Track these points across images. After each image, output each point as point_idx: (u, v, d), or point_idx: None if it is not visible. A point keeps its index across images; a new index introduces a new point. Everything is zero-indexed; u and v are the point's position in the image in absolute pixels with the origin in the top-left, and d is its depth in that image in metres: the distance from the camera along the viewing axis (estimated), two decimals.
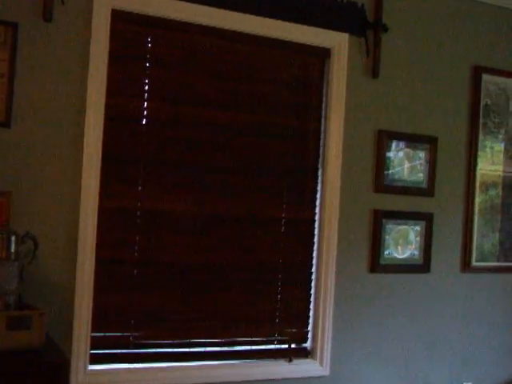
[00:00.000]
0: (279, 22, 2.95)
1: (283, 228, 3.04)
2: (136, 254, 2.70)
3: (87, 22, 2.51)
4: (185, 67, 2.78)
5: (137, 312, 2.72)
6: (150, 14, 2.67)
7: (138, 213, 2.69)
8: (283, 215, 3.04)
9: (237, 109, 2.92)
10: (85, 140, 2.53)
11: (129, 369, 2.70)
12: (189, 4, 2.73)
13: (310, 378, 3.07)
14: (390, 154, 3.32)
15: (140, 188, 2.70)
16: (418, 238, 3.40)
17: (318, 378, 3.10)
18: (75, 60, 2.53)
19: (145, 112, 2.72)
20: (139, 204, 2.69)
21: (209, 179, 2.85)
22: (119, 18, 2.56)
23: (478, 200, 3.67)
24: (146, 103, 2.70)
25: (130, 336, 2.69)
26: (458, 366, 3.58)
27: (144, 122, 2.72)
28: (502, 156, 3.74)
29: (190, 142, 2.81)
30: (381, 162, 3.26)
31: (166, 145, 2.79)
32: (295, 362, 3.06)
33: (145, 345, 2.76)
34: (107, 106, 2.58)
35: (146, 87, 2.69)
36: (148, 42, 2.68)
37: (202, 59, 2.82)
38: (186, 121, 2.81)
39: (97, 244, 2.56)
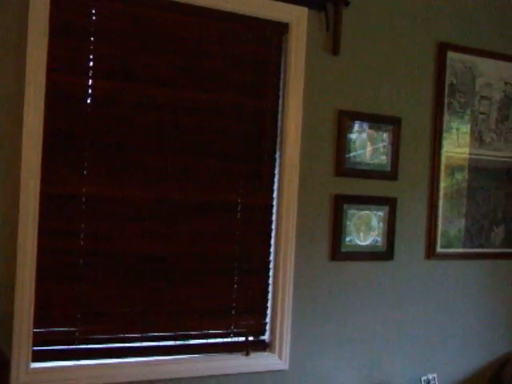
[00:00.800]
0: None
1: (239, 214, 3.15)
2: (81, 243, 2.76)
3: None
4: (132, 42, 2.83)
5: (83, 305, 2.77)
6: None
7: (83, 199, 2.74)
8: (239, 200, 3.14)
9: (188, 86, 3.00)
10: (24, 120, 2.57)
11: (75, 366, 2.75)
12: None
13: (268, 372, 3.19)
14: (352, 136, 3.40)
15: (85, 172, 2.77)
16: (380, 224, 3.51)
17: (277, 372, 3.21)
18: (12, 32, 2.56)
19: (90, 90, 2.75)
20: (84, 189, 2.75)
21: (159, 162, 2.93)
22: None
23: (443, 184, 3.79)
24: (90, 80, 2.74)
25: (75, 331, 2.75)
26: (422, 357, 3.73)
27: (89, 101, 2.76)
28: (468, 138, 3.87)
29: (139, 123, 2.87)
30: (342, 145, 3.35)
31: (112, 125, 2.82)
32: (252, 355, 3.17)
33: (92, 340, 2.81)
34: (48, 84, 2.60)
35: (91, 63, 2.74)
36: (92, 14, 2.72)
37: (151, 33, 2.88)
38: (135, 99, 2.86)
39: (39, 232, 2.61)
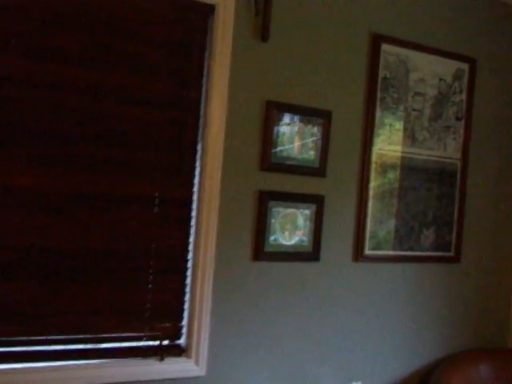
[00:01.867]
0: None
1: (156, 208, 3.28)
2: None
3: None
4: (43, 17, 2.91)
5: None
6: None
7: None
8: (156, 194, 3.28)
9: (104, 69, 3.10)
10: None
11: None
12: None
13: (183, 378, 3.34)
14: (280, 129, 3.58)
15: None
16: (307, 223, 3.71)
17: (193, 378, 3.36)
18: None
19: None
20: None
21: (69, 151, 3.02)
22: None
23: (373, 183, 4.02)
24: None
25: None
26: (347, 365, 3.97)
27: None
28: (400, 135, 4.13)
29: (47, 106, 2.96)
30: (268, 138, 3.53)
31: (14, 109, 2.88)
32: (167, 360, 3.32)
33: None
34: None
35: None
36: None
37: (65, 9, 2.96)
38: (43, 80, 2.94)
39: None
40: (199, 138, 3.42)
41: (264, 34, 3.49)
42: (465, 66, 4.44)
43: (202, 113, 3.42)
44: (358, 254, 4.01)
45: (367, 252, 4.05)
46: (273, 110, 3.56)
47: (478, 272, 4.68)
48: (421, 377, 4.37)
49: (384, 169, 4.12)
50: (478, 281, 4.68)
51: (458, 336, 4.59)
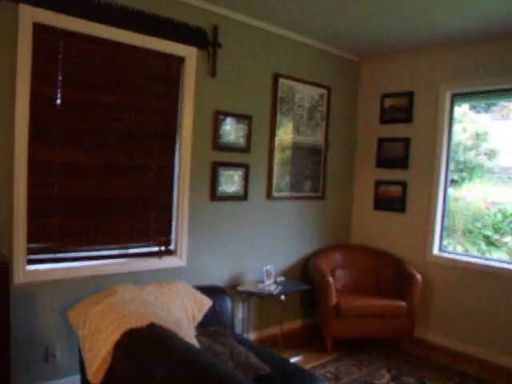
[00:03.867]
0: (153, 38, 3.27)
1: (154, 173, 3.40)
2: (55, 191, 2.96)
3: None
4: (85, 65, 3.00)
5: (59, 230, 3.01)
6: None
7: (55, 164, 2.96)
8: (154, 164, 3.41)
9: (122, 94, 3.17)
10: (15, 115, 2.67)
11: (55, 268, 3.00)
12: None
13: (174, 268, 3.52)
14: (223, 126, 3.73)
15: (56, 147, 2.93)
16: (240, 179, 3.89)
17: (179, 267, 3.55)
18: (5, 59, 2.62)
19: (58, 95, 2.93)
20: (56, 157, 2.95)
21: (107, 142, 3.16)
22: None
23: (277, 157, 4.25)
24: (59, 89, 2.91)
25: (54, 245, 3.00)
26: (263, 256, 4.21)
27: (58, 102, 2.90)
28: (291, 129, 4.35)
29: (93, 118, 3.06)
30: (216, 131, 3.70)
31: (74, 119, 2.98)
32: (164, 258, 3.50)
33: (65, 251, 3.04)
34: (31, 91, 2.74)
35: (60, 78, 2.90)
36: (59, 47, 2.88)
37: (100, 61, 3.08)
38: (89, 102, 3.05)
39: (27, 185, 2.80)
40: (177, 132, 3.51)
41: (213, 73, 3.64)
42: (325, 91, 4.69)
43: (178, 118, 3.50)
44: (269, 195, 4.21)
45: (274, 194, 4.26)
46: (219, 116, 3.71)
47: (333, 203, 4.97)
48: (304, 261, 4.65)
49: (283, 149, 4.31)
50: (334, 208, 4.99)
51: (324, 238, 4.88)
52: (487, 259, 4.34)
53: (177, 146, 3.51)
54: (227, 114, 3.75)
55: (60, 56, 2.88)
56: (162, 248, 3.52)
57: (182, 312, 2.80)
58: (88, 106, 3.04)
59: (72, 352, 2.99)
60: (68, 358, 3.03)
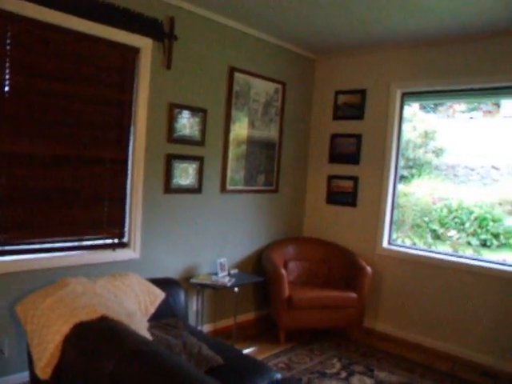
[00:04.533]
0: (108, 27, 3.19)
1: (108, 164, 3.36)
2: (3, 182, 2.84)
3: None
4: (37, 51, 2.89)
5: (7, 222, 2.92)
6: None
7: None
8: (107, 155, 3.35)
9: (75, 83, 3.09)
10: None
11: (3, 261, 2.90)
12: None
13: (127, 260, 3.50)
14: (178, 119, 3.70)
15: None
16: (194, 172, 3.88)
17: (133, 260, 3.53)
18: None
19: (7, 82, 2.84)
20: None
21: (60, 130, 3.08)
22: None
23: (232, 151, 4.25)
24: (7, 75, 2.81)
25: (1, 238, 2.89)
26: (218, 249, 4.23)
27: (6, 90, 2.75)
28: (246, 123, 4.36)
29: (44, 107, 2.96)
30: (171, 123, 3.66)
31: (24, 107, 2.85)
32: (117, 251, 3.47)
33: (13, 243, 2.94)
34: None
35: (7, 64, 2.75)
36: (8, 31, 2.73)
37: (53, 48, 2.96)
38: (41, 90, 2.94)
39: None
40: (132, 123, 3.46)
41: (168, 65, 3.61)
42: (280, 86, 4.72)
43: (133, 109, 3.46)
44: (223, 188, 4.22)
45: (228, 187, 4.26)
46: (174, 108, 3.68)
47: (287, 197, 5.03)
48: (257, 254, 4.70)
49: (238, 142, 4.32)
50: (287, 202, 5.05)
51: (277, 231, 4.93)
52: (433, 252, 4.50)
53: (131, 138, 3.46)
54: (182, 107, 3.72)
55: (8, 41, 2.76)
56: (116, 240, 3.48)
57: (134, 304, 2.77)
58: (39, 95, 2.94)
59: (21, 348, 2.88)
60: (17, 354, 2.95)
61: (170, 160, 3.68)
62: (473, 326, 4.10)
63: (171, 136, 3.67)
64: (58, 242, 3.17)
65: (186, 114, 3.77)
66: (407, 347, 4.35)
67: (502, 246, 7.11)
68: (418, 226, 7.20)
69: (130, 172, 3.48)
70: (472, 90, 4.18)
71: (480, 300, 4.06)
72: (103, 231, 3.41)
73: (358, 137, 4.77)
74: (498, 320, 3.98)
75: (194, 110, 3.82)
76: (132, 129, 3.46)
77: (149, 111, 3.50)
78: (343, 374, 3.69)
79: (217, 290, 3.86)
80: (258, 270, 4.53)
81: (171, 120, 3.65)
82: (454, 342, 4.19)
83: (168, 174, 3.68)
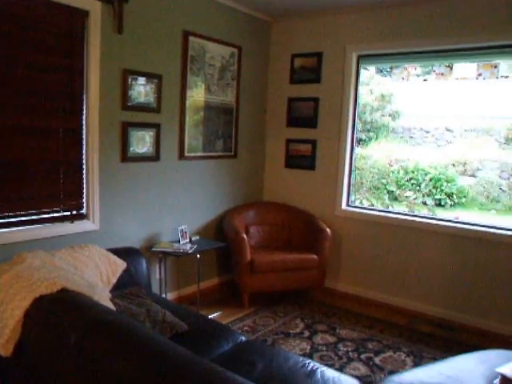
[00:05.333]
0: None
1: (61, 134, 3.26)
2: None
3: None
4: None
5: None
6: None
7: None
8: (60, 124, 3.25)
9: (19, 48, 2.94)
10: None
11: None
12: None
13: (86, 232, 3.43)
14: (132, 85, 3.61)
15: None
16: (151, 140, 3.82)
17: (92, 231, 3.47)
18: None
19: None
20: None
21: (7, 100, 2.93)
22: None
23: (189, 116, 4.18)
24: None
25: None
26: (178, 216, 4.22)
27: None
28: (203, 89, 4.30)
29: None
30: (126, 90, 3.56)
31: None
32: (76, 223, 3.41)
33: None
34: None
35: None
36: None
37: None
38: None
39: None
40: (84, 90, 3.36)
41: (119, 29, 3.49)
42: (235, 50, 4.66)
43: (85, 76, 3.35)
44: (181, 155, 4.17)
45: (187, 154, 4.22)
46: (127, 74, 3.58)
47: (246, 162, 5.05)
48: (218, 220, 4.72)
49: (195, 108, 4.26)
50: (247, 167, 5.07)
51: (238, 196, 4.96)
52: (390, 212, 4.64)
53: (84, 106, 3.35)
54: (136, 73, 3.63)
55: None
56: (74, 212, 3.40)
57: (96, 276, 2.75)
58: None
59: None
60: None
61: (126, 128, 3.60)
62: (428, 281, 4.29)
63: (126, 103, 3.58)
64: (14, 216, 3.07)
65: (140, 80, 3.67)
66: (367, 305, 4.52)
67: (455, 205, 7.41)
68: (376, 187, 7.38)
69: (84, 141, 3.39)
70: (425, 52, 4.23)
71: (435, 257, 4.24)
72: (60, 203, 3.31)
73: (316, 100, 4.78)
74: (451, 275, 4.17)
75: (148, 76, 3.72)
76: (84, 97, 3.34)
77: (101, 78, 3.38)
78: (306, 334, 3.81)
79: (179, 257, 3.87)
80: (220, 235, 4.55)
81: (125, 87, 3.55)
82: (412, 297, 4.38)
83: (124, 143, 3.60)
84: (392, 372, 3.15)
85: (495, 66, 7.60)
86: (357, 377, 3.00)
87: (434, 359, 3.31)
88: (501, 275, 3.92)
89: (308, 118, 4.84)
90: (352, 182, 4.80)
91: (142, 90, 3.69)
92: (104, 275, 2.82)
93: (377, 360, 3.41)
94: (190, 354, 1.51)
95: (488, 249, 3.97)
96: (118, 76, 3.52)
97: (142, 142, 3.75)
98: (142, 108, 3.72)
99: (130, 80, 3.58)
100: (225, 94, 4.56)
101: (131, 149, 3.68)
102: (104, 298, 2.27)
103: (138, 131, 3.70)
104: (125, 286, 2.90)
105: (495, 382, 1.97)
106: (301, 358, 2.30)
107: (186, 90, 4.11)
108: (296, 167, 4.95)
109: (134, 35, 3.61)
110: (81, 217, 3.46)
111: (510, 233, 3.91)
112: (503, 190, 7.25)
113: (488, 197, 7.39)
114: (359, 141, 4.92)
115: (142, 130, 3.74)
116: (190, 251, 3.77)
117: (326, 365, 2.90)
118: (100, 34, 3.35)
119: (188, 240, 4.04)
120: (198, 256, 3.90)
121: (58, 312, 1.88)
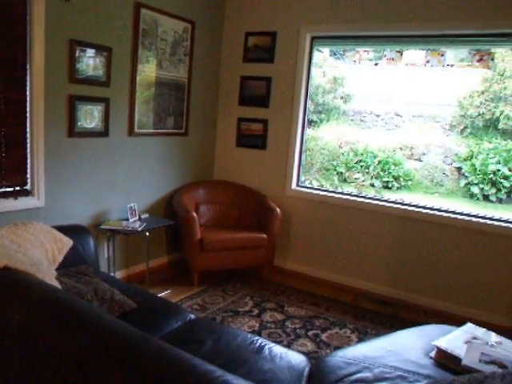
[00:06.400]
0: None
1: (2, 105, 3.10)
2: None
3: None
4: None
5: None
6: None
7: None
8: (1, 97, 3.08)
9: None
10: None
11: None
12: None
13: (31, 209, 3.34)
14: (80, 57, 3.48)
15: None
16: (100, 114, 3.70)
17: (37, 208, 3.37)
18: None
19: None
20: None
21: None
22: None
23: (139, 91, 4.08)
24: None
25: None
26: (127, 194, 4.15)
27: None
28: (154, 64, 4.21)
29: None
30: (73, 62, 3.42)
31: None
32: (20, 199, 3.29)
33: None
34: None
35: None
36: None
37: None
38: None
39: None
40: (28, 60, 3.21)
41: None
42: (189, 25, 4.57)
43: (28, 45, 3.19)
44: (131, 131, 4.09)
45: (136, 130, 4.15)
46: (75, 45, 3.44)
47: (197, 140, 5.01)
48: (168, 198, 4.68)
49: (146, 84, 4.17)
50: (198, 145, 5.03)
51: (188, 174, 4.93)
52: (339, 193, 4.73)
53: (28, 77, 3.20)
54: (84, 44, 3.49)
55: None
56: (17, 188, 3.28)
57: (40, 254, 2.66)
58: None
59: None
60: None
61: (73, 101, 3.47)
62: (373, 260, 4.44)
63: (73, 75, 3.45)
64: None
65: (89, 52, 3.54)
66: (315, 283, 4.63)
67: (401, 187, 7.68)
68: (326, 168, 7.52)
69: (28, 114, 3.25)
70: (378, 36, 4.30)
71: (380, 237, 4.39)
72: (2, 179, 3.18)
73: (268, 80, 4.78)
74: (395, 254, 4.34)
75: (97, 48, 3.59)
76: (28, 66, 3.19)
77: (47, 48, 3.23)
78: (255, 312, 3.87)
79: (128, 235, 3.84)
80: (170, 214, 4.52)
81: (72, 58, 3.41)
82: (357, 275, 4.52)
83: (72, 117, 3.48)
84: (338, 348, 3.26)
85: (442, 55, 7.85)
86: (304, 353, 3.09)
87: (378, 335, 3.44)
88: (441, 255, 4.11)
89: (260, 98, 4.84)
90: (302, 162, 4.86)
91: (90, 62, 3.56)
92: (49, 253, 2.74)
93: (323, 336, 3.51)
94: (138, 332, 1.50)
95: (430, 230, 4.14)
96: (64, 46, 3.38)
97: (90, 117, 3.63)
98: (91, 81, 3.59)
99: (77, 51, 3.44)
100: (177, 70, 4.47)
101: (79, 123, 3.56)
102: (49, 276, 2.21)
103: (86, 105, 3.58)
104: (72, 265, 2.83)
105: (431, 354, 2.08)
106: (249, 335, 2.33)
107: (137, 65, 4.01)
108: (247, 146, 4.95)
109: (82, 3, 3.45)
110: (25, 193, 3.34)
111: (451, 215, 4.09)
112: (446, 175, 7.57)
113: (432, 180, 7.71)
114: (311, 122, 4.97)
115: (91, 105, 3.62)
116: (139, 229, 3.73)
117: (275, 342, 2.96)
118: (44, 1, 3.18)
119: (137, 218, 4.00)
120: (148, 234, 3.86)
121: (0, 291, 1.82)
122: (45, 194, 3.41)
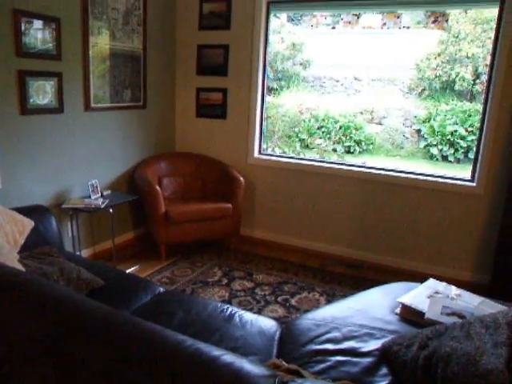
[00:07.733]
0: None
1: None
2: None
3: None
4: None
5: None
6: None
7: None
8: None
9: None
10: None
11: None
12: None
13: None
14: (27, 29, 3.31)
15: None
16: (52, 90, 3.59)
17: None
18: None
19: None
20: None
21: None
22: None
23: (94, 64, 3.95)
24: None
25: None
26: (87, 171, 4.10)
27: None
28: (107, 35, 4.09)
29: None
30: (18, 34, 3.25)
31: None
32: None
33: None
34: None
35: None
36: None
37: None
38: None
39: None
40: None
41: None
42: None
43: None
44: (87, 106, 3.99)
45: (93, 105, 4.03)
46: (19, 16, 3.25)
47: (156, 112, 4.93)
48: (130, 173, 4.65)
49: (100, 56, 4.05)
50: (157, 117, 4.95)
51: (149, 148, 4.88)
52: (301, 159, 4.78)
53: None
54: (30, 15, 3.31)
55: None
56: None
57: (1, 237, 2.59)
58: None
59: None
60: None
61: (23, 77, 3.33)
62: (338, 224, 4.54)
63: (21, 49, 3.29)
64: None
65: (36, 23, 3.38)
66: (282, 250, 4.71)
67: (363, 151, 7.80)
68: (288, 135, 7.54)
69: None
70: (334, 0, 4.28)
71: (344, 201, 4.47)
72: None
73: (226, 47, 4.72)
74: (359, 217, 4.44)
75: (44, 19, 3.43)
76: None
77: None
78: (224, 281, 3.91)
79: (91, 212, 3.79)
80: (133, 188, 4.49)
81: (18, 30, 3.24)
82: (323, 240, 4.62)
83: (23, 93, 3.34)
84: (307, 311, 3.34)
85: (398, 17, 7.89)
86: (275, 318, 3.16)
87: (345, 296, 3.54)
88: (404, 215, 4.24)
89: (218, 66, 4.78)
90: (264, 130, 4.86)
91: (38, 35, 3.41)
92: (10, 236, 2.67)
93: (293, 301, 3.60)
94: (107, 307, 1.50)
95: (392, 192, 4.25)
96: (7, 18, 3.18)
97: (42, 93, 3.51)
98: (41, 55, 3.45)
99: (23, 23, 3.30)
100: (131, 40, 4.35)
101: (31, 100, 3.43)
102: (11, 259, 2.16)
103: (37, 81, 3.45)
104: (35, 247, 2.78)
105: (397, 310, 2.17)
106: (219, 304, 2.37)
107: (89, 36, 3.87)
108: (207, 116, 4.92)
109: None
110: None
111: (411, 176, 4.20)
112: (406, 137, 7.73)
113: (393, 143, 7.86)
114: (271, 89, 4.95)
115: (42, 80, 3.49)
116: (102, 206, 3.69)
117: (245, 309, 3.01)
118: None
119: (99, 195, 3.95)
120: (111, 210, 3.83)
121: None
122: (0, 176, 3.33)
